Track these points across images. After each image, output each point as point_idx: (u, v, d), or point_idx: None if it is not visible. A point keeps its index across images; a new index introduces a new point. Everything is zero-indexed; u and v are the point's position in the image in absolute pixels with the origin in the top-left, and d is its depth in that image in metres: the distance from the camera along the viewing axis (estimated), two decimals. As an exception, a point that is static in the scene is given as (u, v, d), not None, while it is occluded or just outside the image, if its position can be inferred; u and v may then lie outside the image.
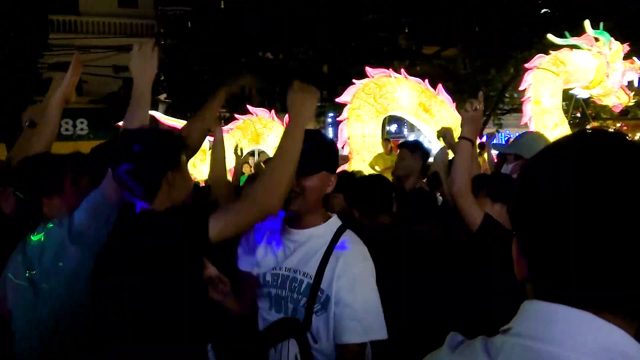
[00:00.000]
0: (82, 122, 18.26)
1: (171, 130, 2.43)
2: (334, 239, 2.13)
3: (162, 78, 16.66)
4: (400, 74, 9.73)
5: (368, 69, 9.67)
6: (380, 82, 9.47)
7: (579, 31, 10.64)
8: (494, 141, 12.65)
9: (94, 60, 17.08)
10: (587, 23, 9.95)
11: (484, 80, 18.11)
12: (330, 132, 20.00)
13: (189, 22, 16.78)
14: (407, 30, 16.95)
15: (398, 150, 5.26)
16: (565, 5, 15.87)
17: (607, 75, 9.71)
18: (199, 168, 8.79)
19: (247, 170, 13.47)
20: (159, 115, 9.35)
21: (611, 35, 10.07)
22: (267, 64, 16.56)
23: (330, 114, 18.30)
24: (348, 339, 2.03)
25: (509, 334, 0.81)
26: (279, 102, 17.54)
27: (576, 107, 11.47)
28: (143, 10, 22.52)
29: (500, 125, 19.35)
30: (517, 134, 7.38)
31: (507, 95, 19.80)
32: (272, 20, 15.24)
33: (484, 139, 8.04)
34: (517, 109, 21.02)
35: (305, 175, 2.06)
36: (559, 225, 0.75)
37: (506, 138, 17.38)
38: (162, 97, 16.90)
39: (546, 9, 16.93)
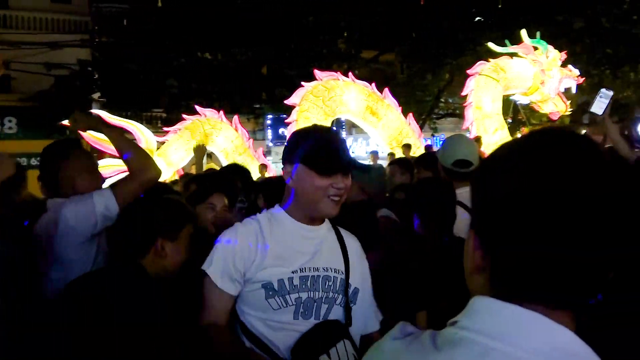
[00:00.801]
0: (10, 121, 17.52)
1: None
2: (337, 233, 2.09)
3: (97, 77, 16.23)
4: (347, 77, 9.85)
5: (317, 72, 9.76)
6: (329, 85, 9.60)
7: (511, 39, 11.05)
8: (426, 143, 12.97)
9: (24, 57, 16.47)
10: (523, 32, 10.37)
11: (420, 85, 18.51)
12: (269, 134, 20.01)
13: (125, 20, 16.42)
14: (346, 34, 17.12)
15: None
16: (497, 14, 16.42)
17: (543, 83, 10.10)
18: None
19: (195, 171, 13.27)
20: (105, 114, 9.06)
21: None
22: (206, 64, 16.37)
23: (269, 116, 18.30)
24: (373, 328, 2.04)
25: (457, 326, 0.80)
26: (217, 102, 17.42)
27: (514, 112, 11.89)
28: (77, 7, 21.80)
29: (435, 130, 19.83)
30: (438, 139, 7.55)
31: (442, 100, 20.32)
32: (210, 20, 15.10)
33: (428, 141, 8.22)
34: (452, 113, 21.64)
35: (346, 175, 1.94)
36: (513, 222, 0.76)
37: (441, 142, 17.77)
38: (96, 95, 16.44)
39: (480, 17, 17.48)
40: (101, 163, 8.19)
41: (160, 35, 15.27)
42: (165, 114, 15.84)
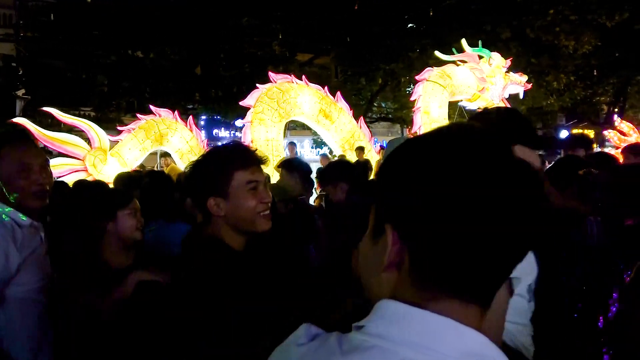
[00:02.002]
0: None
1: None
2: None
3: (21, 73, 15.58)
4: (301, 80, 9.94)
5: (271, 74, 9.80)
6: (283, 87, 9.64)
7: (442, 46, 11.37)
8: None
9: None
10: (463, 41, 10.74)
11: (354, 88, 18.74)
12: (202, 135, 19.73)
13: (52, 15, 15.82)
14: (281, 37, 17.12)
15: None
16: (429, 21, 16.85)
17: (483, 90, 10.47)
18: (99, 168, 8.41)
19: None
20: (57, 112, 8.86)
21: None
22: (137, 62, 16.00)
23: (203, 117, 18.07)
24: None
25: (364, 332, 0.80)
26: (148, 102, 17.05)
27: (460, 117, 12.26)
28: (0, -1, 20.94)
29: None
30: (384, 142, 7.73)
31: (375, 104, 20.64)
32: (142, 17, 14.78)
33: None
34: (385, 117, 22.04)
35: None
36: (427, 212, 0.77)
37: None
38: (20, 92, 15.76)
39: (412, 24, 17.88)
40: (53, 162, 8.00)
41: (89, 31, 14.82)
42: (94, 112, 15.34)
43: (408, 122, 18.50)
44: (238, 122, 19.76)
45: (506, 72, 10.92)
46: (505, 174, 0.78)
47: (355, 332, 0.81)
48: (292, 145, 14.30)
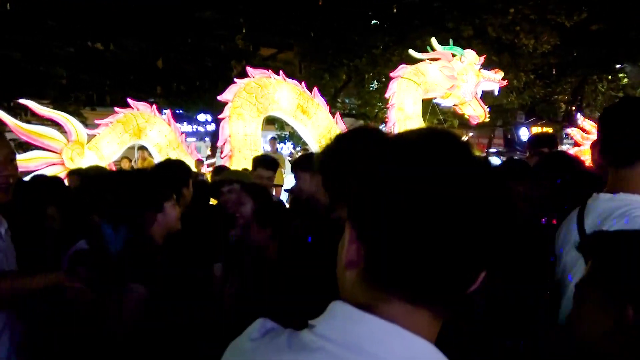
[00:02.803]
0: None
1: None
2: None
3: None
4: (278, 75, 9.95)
5: (249, 69, 9.84)
6: (262, 82, 9.66)
7: (403, 43, 11.42)
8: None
9: None
10: (433, 40, 10.91)
11: (318, 84, 18.72)
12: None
13: (8, 5, 15.35)
14: (244, 31, 16.98)
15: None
16: (392, 18, 16.95)
17: (452, 87, 10.60)
18: (76, 162, 8.29)
19: (127, 165, 12.84)
20: (34, 105, 8.81)
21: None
22: (97, 55, 15.66)
23: (165, 111, 17.82)
24: None
25: (314, 332, 0.80)
26: (108, 95, 16.73)
27: (433, 114, 12.38)
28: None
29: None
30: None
31: (339, 100, 20.67)
32: (102, 8, 14.45)
33: None
34: (349, 113, 22.09)
35: None
36: (384, 213, 0.76)
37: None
38: (-26, 84, 15.29)
39: (375, 20, 17.95)
40: (29, 155, 8.14)
41: (47, 22, 14.42)
42: (52, 105, 14.96)
43: (372, 118, 18.59)
44: (200, 117, 19.61)
45: (479, 69, 11.03)
46: (468, 178, 0.77)
47: (307, 331, 0.82)
48: (273, 140, 14.28)
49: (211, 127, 19.04)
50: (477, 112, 11.03)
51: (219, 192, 4.28)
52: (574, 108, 24.20)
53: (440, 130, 0.84)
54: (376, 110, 18.78)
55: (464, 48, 11.58)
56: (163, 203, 2.84)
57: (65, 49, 15.12)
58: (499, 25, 16.16)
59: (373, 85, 20.75)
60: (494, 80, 11.21)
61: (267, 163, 5.07)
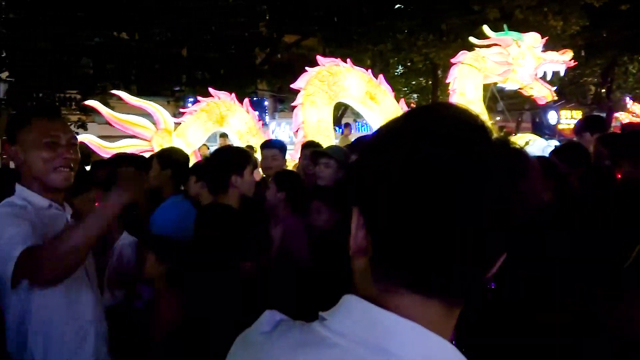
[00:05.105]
0: None
1: None
2: None
3: (4, 55, 15.33)
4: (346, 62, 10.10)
5: (319, 58, 10.03)
6: (332, 70, 9.85)
7: (428, 26, 11.25)
8: (352, 131, 13.31)
9: None
10: (486, 27, 10.87)
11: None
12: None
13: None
14: (267, 18, 16.96)
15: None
16: (417, 2, 16.74)
17: (506, 72, 10.51)
18: None
19: (205, 151, 13.28)
20: (125, 95, 9.26)
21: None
22: (123, 44, 15.79)
23: (190, 99, 17.94)
24: None
25: (327, 327, 0.77)
26: (135, 85, 16.85)
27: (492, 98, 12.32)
28: (-19, -21, 20.54)
29: (358, 115, 20.07)
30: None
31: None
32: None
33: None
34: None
35: None
36: (389, 199, 0.73)
37: (363, 127, 18.03)
38: (4, 75, 15.53)
39: (399, 4, 17.77)
40: (121, 143, 8.68)
41: (74, 12, 14.58)
42: (79, 95, 15.14)
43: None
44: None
45: (543, 50, 10.88)
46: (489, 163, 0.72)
47: (319, 324, 0.78)
48: (347, 125, 14.51)
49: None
50: (542, 93, 10.97)
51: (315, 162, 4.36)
52: (603, 90, 23.74)
53: (454, 109, 0.79)
54: (401, 96, 18.65)
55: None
56: (245, 166, 3.20)
57: (92, 40, 15.28)
58: (527, 6, 15.85)
59: (398, 70, 20.60)
60: (559, 61, 10.98)
61: (267, 144, 5.28)
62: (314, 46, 20.08)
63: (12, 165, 3.15)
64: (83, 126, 14.45)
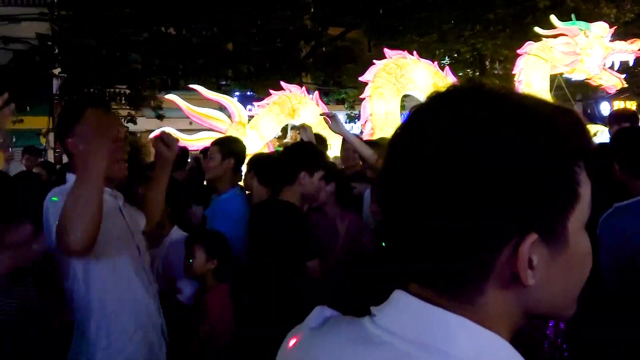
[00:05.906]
0: (-36, 97, 16.89)
1: None
2: None
3: (57, 51, 15.77)
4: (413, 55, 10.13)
5: (386, 50, 10.07)
6: (399, 62, 9.92)
7: (472, 17, 11.01)
8: None
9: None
10: (553, 17, 10.74)
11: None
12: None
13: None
14: (312, 10, 16.93)
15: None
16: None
17: (573, 62, 10.36)
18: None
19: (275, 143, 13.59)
20: (203, 90, 9.64)
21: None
22: (170, 39, 16.03)
23: (236, 93, 18.11)
24: None
25: (377, 324, 0.75)
26: (182, 80, 17.09)
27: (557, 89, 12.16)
28: (34, -21, 21.14)
29: (402, 107, 19.89)
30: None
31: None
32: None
33: None
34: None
35: None
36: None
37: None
38: (57, 71, 15.97)
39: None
40: (198, 136, 9.03)
41: (122, 9, 14.88)
42: (129, 90, 15.47)
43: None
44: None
45: (611, 40, 10.65)
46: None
47: (369, 321, 0.76)
48: None
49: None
50: (612, 82, 10.74)
51: None
52: (659, 80, 22.88)
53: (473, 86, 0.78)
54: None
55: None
56: (319, 168, 3.09)
57: (140, 35, 15.56)
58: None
59: (444, 62, 20.30)
60: (628, 50, 10.75)
61: None
62: (358, 38, 19.99)
63: (64, 159, 3.22)
64: (132, 120, 14.75)
